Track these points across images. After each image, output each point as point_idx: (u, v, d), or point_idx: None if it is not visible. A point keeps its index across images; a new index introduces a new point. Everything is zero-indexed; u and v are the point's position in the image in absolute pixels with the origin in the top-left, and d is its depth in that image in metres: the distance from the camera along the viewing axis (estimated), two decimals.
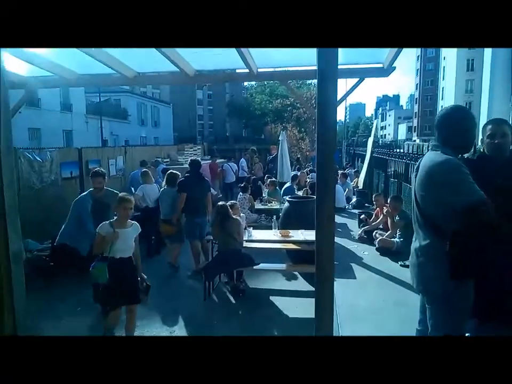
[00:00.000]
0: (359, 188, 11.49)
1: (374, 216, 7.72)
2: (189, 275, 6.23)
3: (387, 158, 9.33)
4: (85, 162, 9.78)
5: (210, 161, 13.59)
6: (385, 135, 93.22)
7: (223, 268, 5.39)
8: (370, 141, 11.56)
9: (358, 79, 6.18)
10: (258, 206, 8.71)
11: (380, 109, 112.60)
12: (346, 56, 6.39)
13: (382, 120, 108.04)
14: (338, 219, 9.40)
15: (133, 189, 9.17)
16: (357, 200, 11.09)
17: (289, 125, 21.13)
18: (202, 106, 62.56)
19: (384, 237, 6.52)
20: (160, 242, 7.79)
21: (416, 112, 76.54)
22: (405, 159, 7.18)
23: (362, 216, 8.07)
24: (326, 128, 1.87)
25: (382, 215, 7.20)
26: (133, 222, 3.94)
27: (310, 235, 5.71)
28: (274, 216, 6.09)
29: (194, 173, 6.44)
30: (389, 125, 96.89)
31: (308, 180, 10.96)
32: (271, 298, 5.37)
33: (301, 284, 5.80)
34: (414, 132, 76.52)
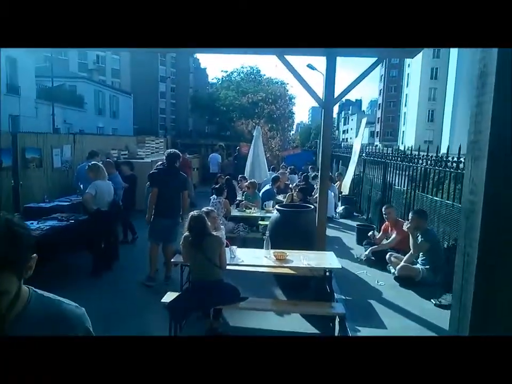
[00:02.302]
0: (344, 193, 10.26)
1: (381, 232, 6.43)
2: (144, 282, 5.40)
3: (390, 161, 7.94)
4: (21, 150, 7.92)
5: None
6: (347, 138, 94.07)
7: (197, 305, 3.88)
8: (357, 141, 10.35)
9: (375, 58, 4.91)
10: (234, 212, 7.24)
11: (343, 112, 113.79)
12: None
13: (345, 124, 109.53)
14: (328, 231, 8.10)
15: (81, 186, 7.51)
16: (344, 208, 9.81)
17: (260, 121, 19.75)
18: (165, 99, 60.18)
19: (404, 262, 5.15)
20: (112, 256, 6.21)
21: (379, 118, 77.66)
22: (423, 164, 5.90)
23: (370, 233, 6.74)
24: None
25: (393, 232, 5.93)
26: None
27: (313, 259, 4.35)
28: (268, 232, 4.68)
29: (169, 166, 5.54)
30: (351, 129, 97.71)
31: (289, 183, 9.66)
32: None
33: (297, 321, 4.43)
34: (377, 136, 77.62)
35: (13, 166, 7.75)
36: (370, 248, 6.04)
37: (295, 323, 4.38)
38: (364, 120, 10.42)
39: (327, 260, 4.45)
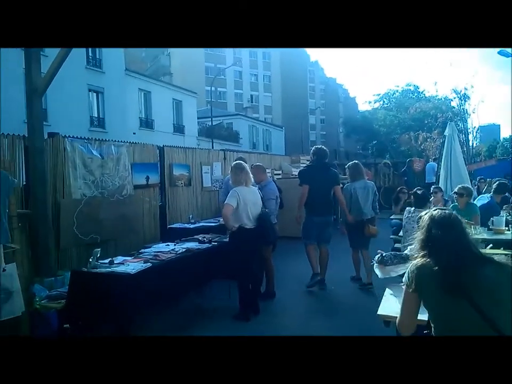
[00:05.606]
0: None
1: None
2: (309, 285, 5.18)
3: None
4: (168, 166, 7.00)
5: None
6: None
7: None
8: None
9: None
10: None
11: None
12: None
13: None
14: None
15: None
16: None
17: (434, 133, 16.47)
18: (315, 131, 59.98)
19: None
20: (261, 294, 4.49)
21: None
22: None
23: None
24: None
25: None
26: None
27: None
28: None
29: (318, 161, 5.35)
30: None
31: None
32: None
33: None
34: None
35: (160, 184, 6.85)
36: None
37: None
38: None
39: None
